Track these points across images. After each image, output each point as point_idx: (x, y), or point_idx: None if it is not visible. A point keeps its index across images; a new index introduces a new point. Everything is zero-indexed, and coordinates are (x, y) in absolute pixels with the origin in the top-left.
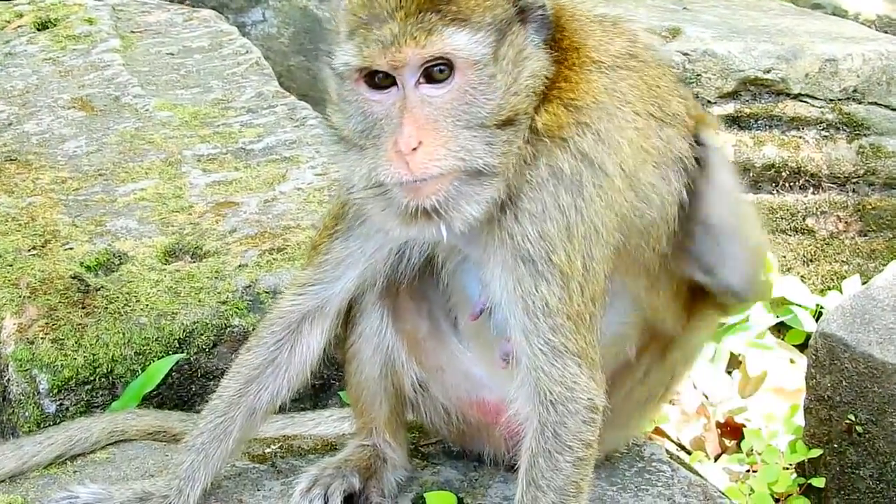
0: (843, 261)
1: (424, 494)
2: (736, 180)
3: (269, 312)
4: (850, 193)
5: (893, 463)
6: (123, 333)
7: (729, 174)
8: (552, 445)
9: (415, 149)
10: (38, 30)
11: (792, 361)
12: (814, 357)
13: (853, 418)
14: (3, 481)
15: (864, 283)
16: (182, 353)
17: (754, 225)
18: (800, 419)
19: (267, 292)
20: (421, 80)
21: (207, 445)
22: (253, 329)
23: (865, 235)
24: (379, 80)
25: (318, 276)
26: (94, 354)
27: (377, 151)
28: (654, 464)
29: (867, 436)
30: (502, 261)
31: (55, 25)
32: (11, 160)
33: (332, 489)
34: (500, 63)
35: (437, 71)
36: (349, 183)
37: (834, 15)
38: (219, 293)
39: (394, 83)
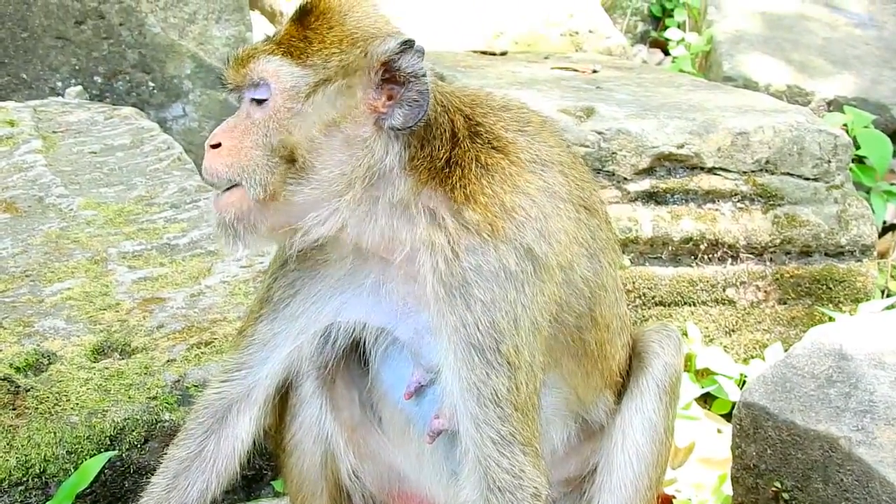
0: (764, 329)
1: None
2: (663, 415)
3: (195, 403)
4: (768, 263)
5: None
6: (55, 433)
7: (655, 409)
8: None
9: (216, 146)
10: None
11: (719, 431)
12: (738, 426)
13: (779, 485)
14: None
15: (785, 351)
16: (114, 450)
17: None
18: (728, 488)
19: (196, 386)
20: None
21: None
22: (183, 423)
23: (785, 303)
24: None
25: (244, 360)
26: (26, 455)
27: None
28: None
29: (794, 502)
30: (454, 347)
31: None
32: None
33: None
34: (310, 105)
35: (259, 94)
36: None
37: (745, 87)
38: (148, 389)
39: None
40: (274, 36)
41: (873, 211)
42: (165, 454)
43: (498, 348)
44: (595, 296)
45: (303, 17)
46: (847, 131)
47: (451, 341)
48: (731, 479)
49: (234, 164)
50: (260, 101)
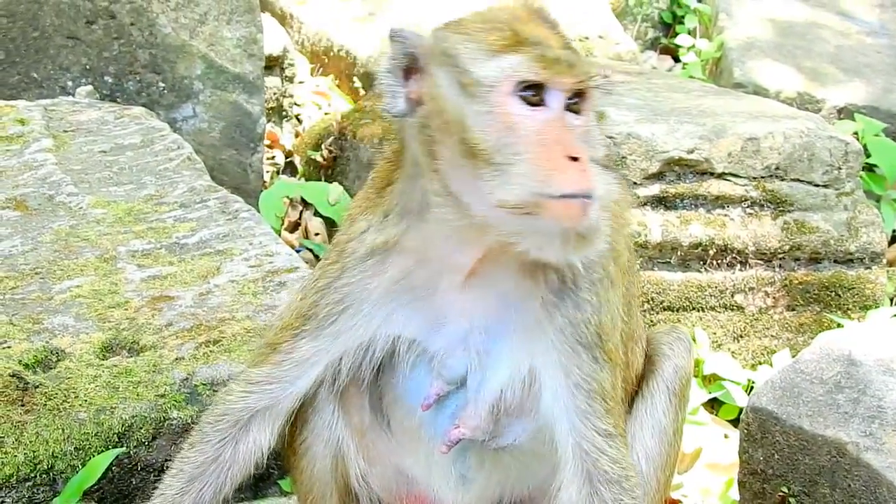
0: (772, 335)
1: None
2: (672, 417)
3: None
4: (777, 269)
5: None
6: (63, 429)
7: (665, 411)
8: None
9: (575, 159)
10: None
11: (726, 436)
12: (745, 431)
13: (786, 490)
14: None
15: (793, 357)
16: (121, 447)
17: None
18: (735, 493)
19: (204, 384)
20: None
21: None
22: (192, 421)
23: (793, 310)
24: (529, 97)
25: (278, 375)
26: (34, 451)
27: (526, 166)
28: None
29: None
30: (559, 347)
31: None
32: None
33: None
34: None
35: (575, 101)
36: (481, 201)
37: (756, 94)
38: (156, 387)
39: (540, 104)
40: (557, 40)
41: (883, 219)
42: (176, 454)
43: (603, 347)
44: (628, 296)
45: (553, 24)
46: (858, 139)
47: (557, 341)
48: (738, 484)
49: (597, 177)
50: (576, 111)
